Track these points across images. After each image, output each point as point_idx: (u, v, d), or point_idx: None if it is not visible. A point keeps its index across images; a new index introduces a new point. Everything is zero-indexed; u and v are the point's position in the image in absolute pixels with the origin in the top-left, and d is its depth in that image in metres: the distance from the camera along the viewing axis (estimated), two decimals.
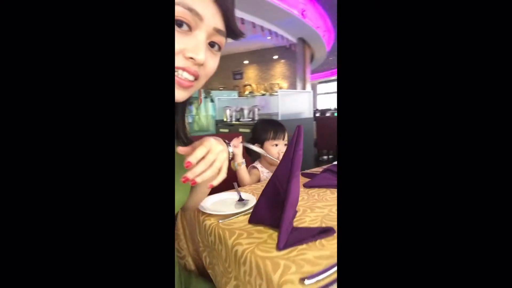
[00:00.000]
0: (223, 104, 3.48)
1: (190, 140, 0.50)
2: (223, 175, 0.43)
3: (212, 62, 0.39)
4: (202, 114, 3.34)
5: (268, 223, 0.55)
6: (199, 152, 0.40)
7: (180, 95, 0.38)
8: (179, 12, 0.34)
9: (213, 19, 0.36)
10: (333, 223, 0.54)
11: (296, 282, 0.37)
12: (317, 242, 0.48)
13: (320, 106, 11.54)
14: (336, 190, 0.77)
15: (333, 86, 19.01)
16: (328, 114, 4.93)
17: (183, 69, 0.36)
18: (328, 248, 0.46)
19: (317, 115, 4.68)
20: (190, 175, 0.39)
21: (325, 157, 3.97)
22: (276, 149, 1.06)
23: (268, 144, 1.07)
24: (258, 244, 0.48)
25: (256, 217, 0.57)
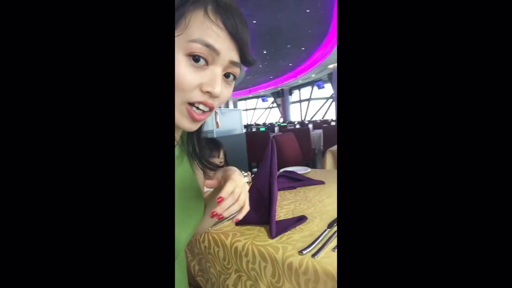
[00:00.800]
0: None
1: (208, 161, 0.51)
2: (247, 208, 0.44)
3: (226, 92, 0.41)
4: None
5: (254, 222, 0.67)
6: (230, 187, 0.40)
7: (194, 126, 0.39)
8: (197, 48, 0.35)
9: (229, 53, 0.37)
10: (302, 213, 0.70)
11: (296, 255, 0.50)
12: (297, 227, 0.62)
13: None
14: (292, 190, 0.94)
15: (252, 103, 20.29)
16: (254, 129, 5.31)
17: (200, 103, 0.37)
18: (306, 230, 0.61)
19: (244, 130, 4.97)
20: (219, 210, 0.39)
21: (255, 169, 4.24)
22: None
23: None
24: (253, 237, 0.59)
25: (243, 219, 0.67)
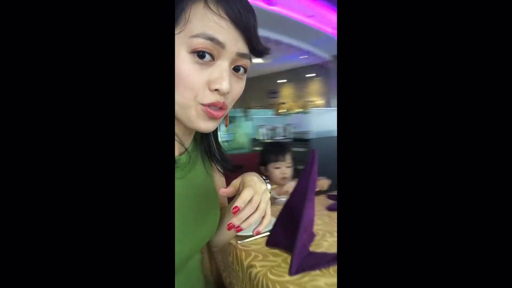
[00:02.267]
0: (259, 123, 3.55)
1: (227, 160, 0.48)
2: (268, 218, 0.38)
3: (237, 87, 0.38)
4: (240, 133, 3.50)
5: (283, 247, 0.56)
6: (247, 195, 0.35)
7: (211, 125, 0.37)
8: (201, 43, 0.32)
9: (235, 44, 0.34)
10: None
11: None
12: (331, 268, 0.47)
13: None
14: None
15: None
16: None
17: (211, 105, 0.35)
18: None
19: None
20: (236, 221, 0.34)
21: None
22: (278, 171, 1.08)
23: (271, 166, 1.09)
24: (271, 267, 0.49)
25: (272, 240, 0.58)
